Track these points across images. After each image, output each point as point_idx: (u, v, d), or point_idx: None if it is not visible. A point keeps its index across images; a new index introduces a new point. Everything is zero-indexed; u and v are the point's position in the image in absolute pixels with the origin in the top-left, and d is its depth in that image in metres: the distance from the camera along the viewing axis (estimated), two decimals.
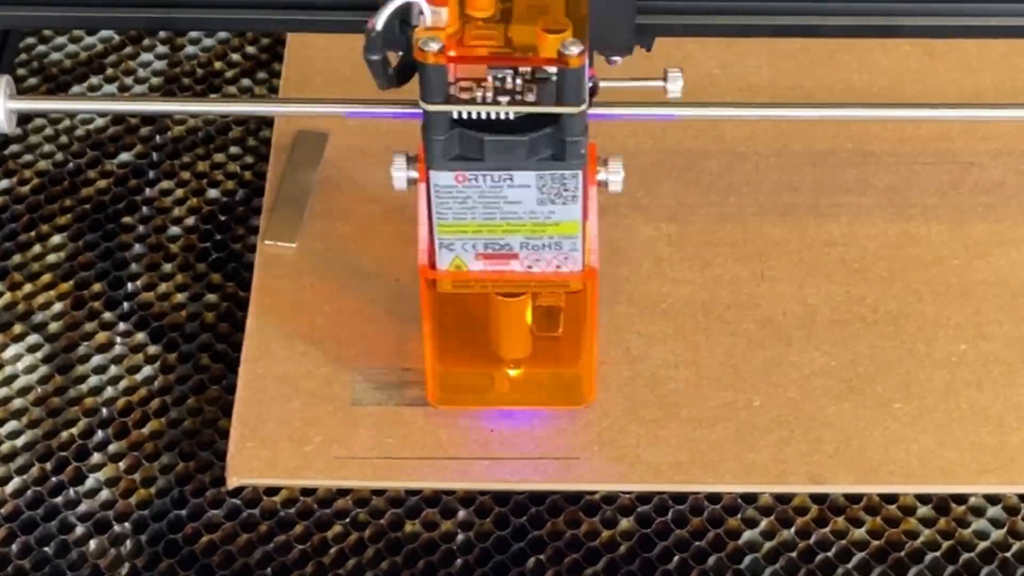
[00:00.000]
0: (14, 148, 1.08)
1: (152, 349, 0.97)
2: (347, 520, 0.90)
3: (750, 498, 0.90)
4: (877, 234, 1.01)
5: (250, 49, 1.14)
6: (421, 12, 0.78)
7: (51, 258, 1.02)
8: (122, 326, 0.98)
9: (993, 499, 0.90)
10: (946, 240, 1.01)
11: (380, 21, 0.78)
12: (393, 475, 0.90)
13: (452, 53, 0.78)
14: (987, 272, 0.99)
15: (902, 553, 0.88)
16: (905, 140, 1.06)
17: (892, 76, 1.10)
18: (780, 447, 0.91)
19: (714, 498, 0.90)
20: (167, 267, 1.01)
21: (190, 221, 1.04)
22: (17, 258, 1.02)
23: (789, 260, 1.00)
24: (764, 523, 0.89)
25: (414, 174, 0.84)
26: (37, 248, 1.02)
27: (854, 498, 0.90)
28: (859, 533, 0.89)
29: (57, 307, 0.99)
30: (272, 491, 0.91)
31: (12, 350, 0.97)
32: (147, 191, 1.05)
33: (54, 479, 0.91)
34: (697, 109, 0.97)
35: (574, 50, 0.77)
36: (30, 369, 0.96)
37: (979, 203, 1.03)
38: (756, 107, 1.01)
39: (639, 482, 0.90)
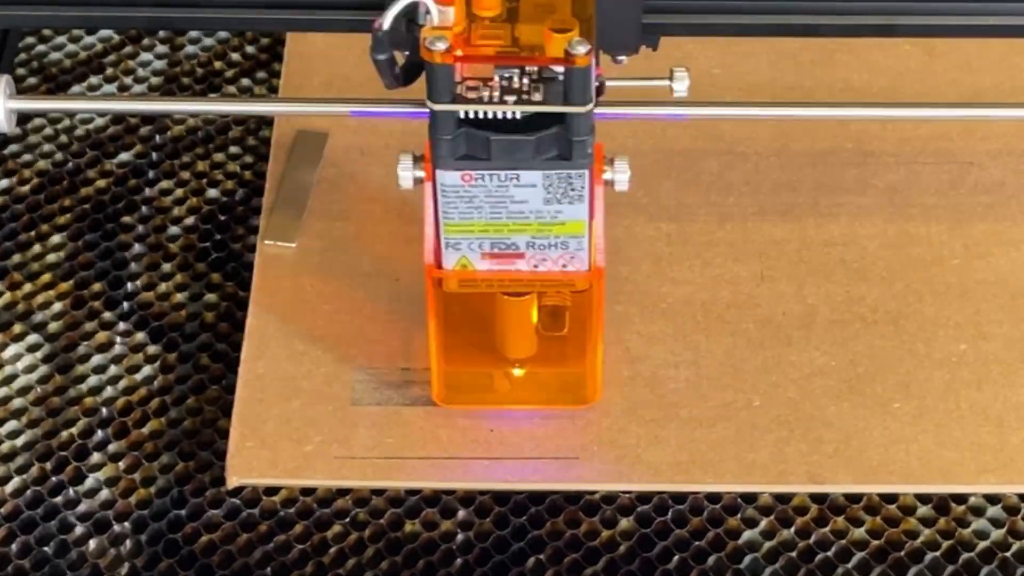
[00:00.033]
0: (14, 148, 1.08)
1: (152, 349, 0.97)
2: (347, 520, 0.90)
3: (750, 498, 0.90)
4: (877, 234, 1.01)
5: (250, 49, 1.14)
6: (428, 11, 0.78)
7: (51, 258, 1.02)
8: (122, 326, 0.98)
9: (993, 499, 0.90)
10: (946, 240, 1.01)
11: (387, 20, 0.78)
12: (393, 475, 0.90)
13: (459, 52, 0.78)
14: (987, 272, 0.99)
15: (902, 553, 0.88)
16: (905, 140, 1.06)
17: (892, 76, 1.10)
18: (780, 447, 0.91)
19: (714, 498, 0.90)
20: (167, 267, 1.01)
21: (190, 221, 1.04)
22: (17, 258, 1.02)
23: (789, 260, 1.00)
24: (764, 523, 0.89)
25: (420, 173, 0.84)
26: (37, 248, 1.02)
27: (854, 498, 0.90)
28: (859, 533, 0.89)
29: (57, 307, 0.99)
30: (272, 491, 0.91)
31: (12, 350, 0.97)
32: (147, 191, 1.05)
33: (54, 479, 0.91)
34: (697, 109, 0.97)
35: (581, 49, 0.77)
36: (30, 369, 0.96)
37: (979, 203, 1.03)
38: (756, 107, 1.01)
39: (639, 482, 0.90)
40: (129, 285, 1.00)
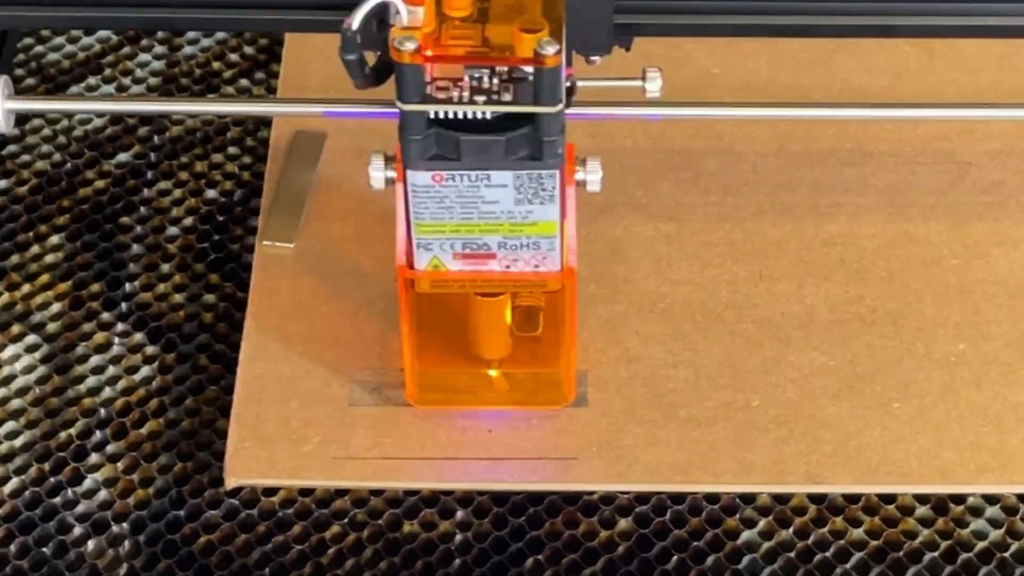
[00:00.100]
0: (12, 148, 1.08)
1: (150, 349, 0.97)
2: (345, 520, 0.90)
3: (748, 498, 0.90)
4: (876, 234, 1.01)
5: (248, 49, 1.14)
6: (398, 11, 0.78)
7: (49, 258, 1.02)
8: (120, 326, 0.98)
9: (992, 499, 0.90)
10: (945, 240, 1.01)
11: (356, 20, 0.78)
12: (391, 475, 0.90)
13: (429, 53, 0.78)
14: (986, 272, 0.99)
15: (901, 553, 0.88)
16: (904, 140, 1.06)
17: (891, 76, 1.10)
18: (779, 447, 0.91)
19: (712, 498, 0.90)
20: (165, 267, 1.01)
21: (188, 222, 1.04)
22: (15, 258, 1.02)
23: (788, 260, 1.00)
24: (762, 523, 0.89)
25: (392, 174, 0.84)
26: (35, 249, 1.02)
27: (853, 498, 0.90)
28: (857, 533, 0.89)
29: (55, 307, 0.99)
30: (270, 491, 0.91)
31: (10, 350, 0.97)
32: (145, 192, 1.05)
33: (52, 480, 0.91)
34: (696, 109, 0.98)
35: (550, 50, 0.77)
36: (28, 369, 0.96)
37: (978, 203, 1.03)
38: (755, 107, 1.01)
39: (637, 482, 0.90)
40: (127, 286, 1.00)
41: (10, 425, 0.94)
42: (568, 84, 0.81)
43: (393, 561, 0.88)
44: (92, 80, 1.12)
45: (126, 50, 1.14)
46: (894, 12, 0.89)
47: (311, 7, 0.88)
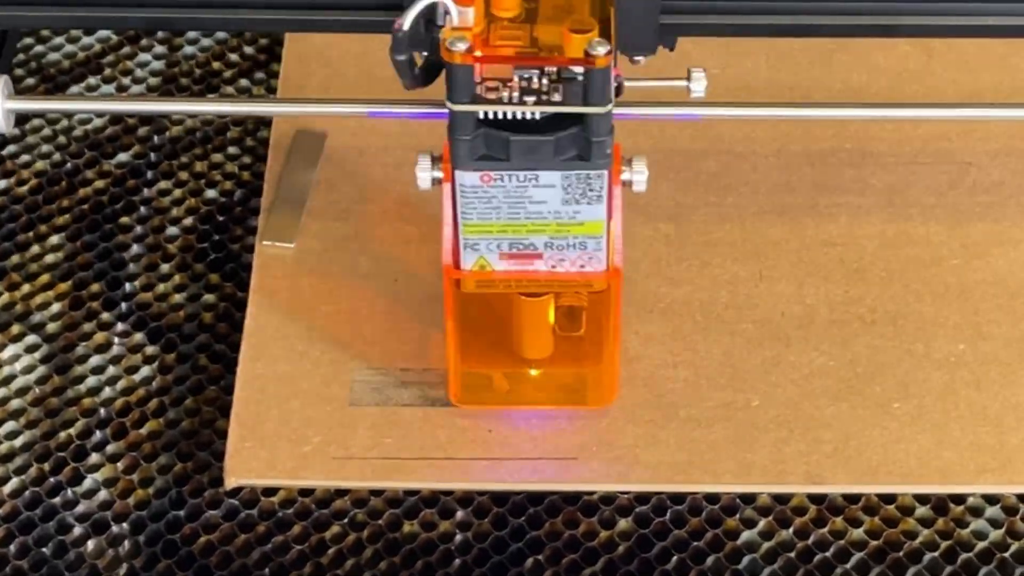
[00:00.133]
0: (12, 148, 1.08)
1: (150, 349, 0.97)
2: (345, 520, 0.90)
3: (748, 498, 0.90)
4: (876, 234, 1.01)
5: (248, 49, 1.14)
6: (447, 12, 0.78)
7: (49, 258, 1.02)
8: (120, 326, 0.98)
9: (991, 499, 0.90)
10: (945, 240, 1.01)
11: (407, 21, 0.78)
12: (391, 475, 0.90)
13: (478, 53, 0.78)
14: (986, 272, 0.99)
15: (900, 553, 0.88)
16: (904, 140, 1.06)
17: (891, 76, 1.10)
18: (778, 447, 0.91)
19: (712, 498, 0.90)
20: (165, 267, 1.01)
21: (188, 221, 1.04)
22: (15, 258, 1.02)
23: (788, 260, 1.00)
24: (762, 523, 0.89)
25: (439, 174, 0.84)
26: (35, 248, 1.02)
27: (852, 498, 0.90)
28: (857, 533, 0.89)
29: (55, 307, 0.99)
30: (270, 491, 0.91)
31: (10, 350, 0.97)
32: (145, 191, 1.05)
33: (52, 480, 0.91)
34: (695, 109, 0.97)
35: (601, 50, 0.77)
36: (28, 369, 0.96)
37: (978, 203, 1.03)
38: (754, 107, 1.01)
39: (637, 482, 0.90)
40: (127, 286, 1.00)
41: (10, 425, 0.94)
42: (616, 84, 0.81)
43: (393, 561, 0.88)
44: (92, 80, 1.12)
45: (126, 50, 1.14)
46: (894, 12, 0.89)
47: (311, 7, 0.88)
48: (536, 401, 0.92)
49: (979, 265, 0.99)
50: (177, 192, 1.05)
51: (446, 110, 0.79)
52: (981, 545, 0.88)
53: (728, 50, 1.10)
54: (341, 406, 0.93)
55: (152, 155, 1.07)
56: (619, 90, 0.82)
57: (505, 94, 0.79)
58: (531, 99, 0.79)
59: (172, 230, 1.03)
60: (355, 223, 1.01)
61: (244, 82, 1.12)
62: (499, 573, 0.88)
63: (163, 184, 1.06)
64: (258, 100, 1.10)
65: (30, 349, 0.97)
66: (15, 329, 0.98)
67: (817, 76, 1.09)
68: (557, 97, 0.79)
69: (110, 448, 0.93)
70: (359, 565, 0.88)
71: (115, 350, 0.97)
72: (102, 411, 0.94)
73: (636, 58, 0.87)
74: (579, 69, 0.78)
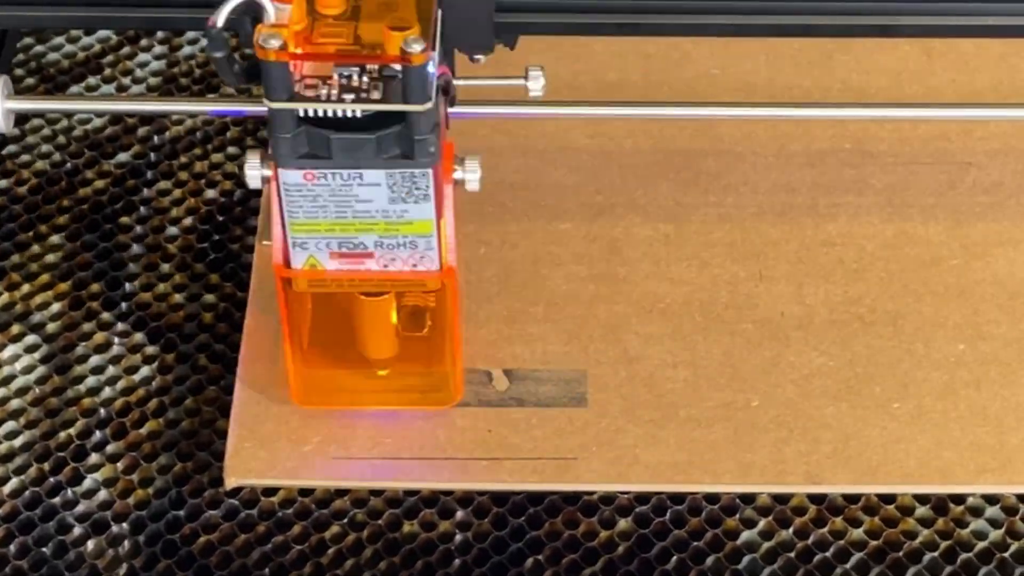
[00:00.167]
0: (12, 148, 1.08)
1: (150, 349, 0.97)
2: (345, 520, 0.90)
3: (748, 498, 0.90)
4: (875, 234, 1.01)
5: (248, 49, 1.13)
6: (265, 9, 0.78)
7: (49, 258, 1.02)
8: (120, 326, 0.98)
9: (991, 499, 0.90)
10: (944, 240, 1.01)
11: (220, 18, 0.78)
12: (391, 475, 0.90)
13: (298, 50, 0.78)
14: (985, 272, 0.99)
15: (900, 553, 0.88)
16: (903, 140, 1.06)
17: (890, 76, 1.10)
18: (778, 447, 0.91)
19: (712, 498, 0.90)
20: (165, 267, 1.01)
21: (188, 221, 1.04)
22: (15, 258, 1.02)
23: (787, 260, 1.00)
24: (762, 523, 0.89)
25: (268, 172, 0.83)
26: (35, 248, 1.02)
27: (852, 498, 0.90)
28: (857, 533, 0.89)
29: (55, 307, 0.99)
30: (270, 491, 0.91)
31: (10, 350, 0.97)
32: (145, 191, 1.05)
33: (52, 479, 0.91)
34: (695, 109, 0.98)
35: (416, 47, 0.76)
36: (28, 369, 0.96)
37: (977, 203, 1.03)
38: (754, 107, 1.01)
39: (637, 482, 0.90)
40: (127, 286, 1.00)
41: (10, 425, 0.94)
42: (442, 83, 0.80)
43: (393, 561, 0.88)
44: (92, 80, 1.12)
45: (126, 50, 1.14)
46: (894, 12, 0.89)
47: None
48: (381, 402, 0.92)
49: (979, 265, 0.99)
50: (177, 192, 1.05)
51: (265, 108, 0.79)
52: (981, 545, 0.88)
53: (728, 50, 1.10)
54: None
55: (152, 155, 1.07)
56: (447, 88, 0.82)
57: (324, 92, 0.78)
58: (350, 97, 0.78)
59: (172, 230, 1.03)
60: None
61: None
62: (499, 573, 0.88)
63: (163, 184, 1.06)
64: (258, 100, 1.09)
65: (30, 349, 0.97)
66: (15, 329, 0.98)
67: (817, 76, 1.09)
68: (376, 95, 0.78)
69: (110, 448, 0.93)
70: (359, 565, 0.88)
71: (115, 350, 0.97)
72: (102, 411, 0.94)
73: (476, 57, 0.87)
74: (399, 67, 0.78)
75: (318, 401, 0.92)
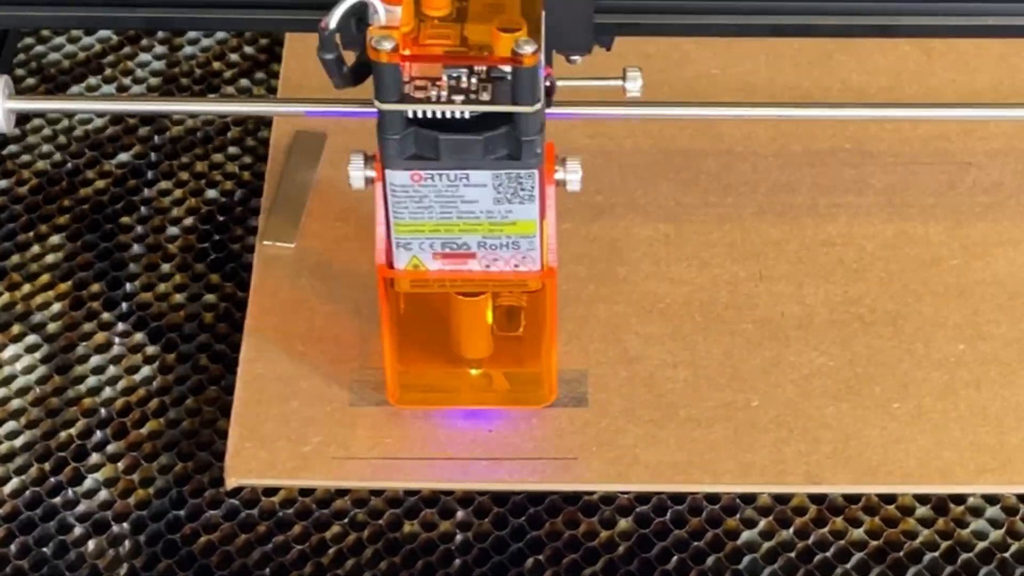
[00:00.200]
0: (12, 148, 1.08)
1: (151, 349, 0.97)
2: (346, 520, 0.90)
3: (748, 498, 0.90)
4: (875, 234, 1.01)
5: (248, 49, 1.14)
6: (376, 11, 0.78)
7: (49, 258, 1.02)
8: (120, 326, 0.98)
9: (992, 499, 0.90)
10: (944, 240, 1.01)
11: (333, 20, 0.78)
12: (392, 475, 0.90)
13: (407, 52, 0.78)
14: (985, 272, 0.99)
15: (901, 553, 0.88)
16: (903, 140, 1.06)
17: (890, 76, 1.10)
18: (778, 447, 0.91)
19: (713, 498, 0.90)
20: (166, 267, 1.01)
21: (188, 221, 1.04)
22: (16, 258, 1.02)
23: (787, 260, 1.00)
24: (763, 523, 0.89)
25: (371, 173, 0.83)
26: (36, 248, 1.02)
27: (852, 498, 0.90)
28: (858, 533, 0.89)
29: (56, 307, 0.99)
30: (271, 491, 0.91)
31: (11, 350, 0.97)
32: (145, 191, 1.05)
33: (53, 479, 0.91)
34: (695, 109, 0.98)
35: (528, 49, 0.77)
36: (29, 369, 0.96)
37: (977, 203, 1.03)
38: (754, 107, 1.01)
39: (637, 482, 0.90)
40: (128, 286, 1.00)
41: (10, 425, 0.94)
42: (547, 84, 0.81)
43: (393, 561, 0.88)
44: (92, 80, 1.12)
45: (126, 50, 1.14)
46: (894, 12, 0.89)
47: (311, 7, 0.88)
48: (476, 401, 0.92)
49: (979, 265, 0.99)
50: (177, 192, 1.05)
51: (375, 109, 0.79)
52: (981, 545, 0.88)
53: (728, 50, 1.10)
54: (341, 406, 0.93)
55: (152, 155, 1.07)
56: (551, 89, 0.82)
57: (433, 93, 0.79)
58: (459, 98, 0.78)
59: (172, 230, 1.03)
60: (355, 223, 1.01)
61: (244, 82, 1.12)
62: (499, 573, 0.88)
63: (163, 184, 1.06)
64: (258, 100, 1.10)
65: (30, 349, 0.97)
66: (15, 329, 0.98)
67: (817, 76, 1.10)
68: (485, 96, 0.78)
69: (110, 448, 0.93)
70: (359, 565, 0.88)
71: (115, 350, 0.97)
72: (102, 411, 0.94)
73: (572, 58, 0.87)
74: (507, 68, 0.78)
75: (414, 401, 0.92)
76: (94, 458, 0.92)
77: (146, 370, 0.96)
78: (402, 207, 0.82)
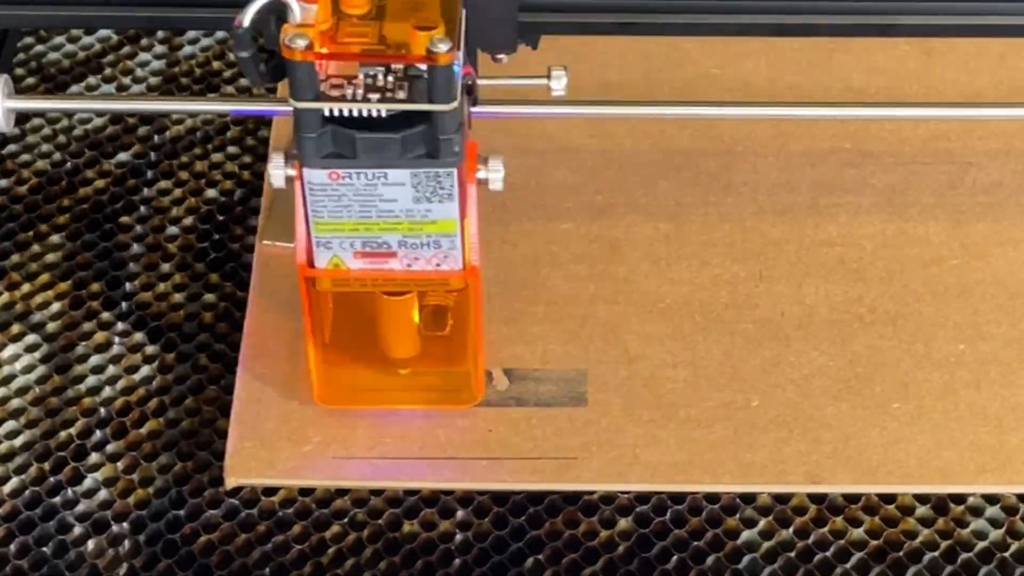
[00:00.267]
0: (12, 148, 1.08)
1: (150, 349, 0.97)
2: (345, 520, 0.90)
3: (749, 498, 0.90)
4: (875, 234, 1.01)
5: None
6: (292, 9, 0.78)
7: (49, 258, 1.02)
8: (120, 326, 0.98)
9: (991, 499, 0.90)
10: (944, 240, 1.01)
11: (246, 18, 0.78)
12: (391, 475, 0.90)
13: (323, 50, 0.78)
14: (985, 272, 0.99)
15: (901, 553, 0.88)
16: (903, 140, 1.06)
17: (890, 76, 1.10)
18: (778, 447, 0.91)
19: (712, 498, 0.90)
20: (165, 267, 1.01)
21: (188, 221, 1.04)
22: (15, 258, 1.02)
23: (787, 260, 1.00)
24: (763, 523, 0.89)
25: (292, 171, 0.83)
26: (35, 248, 1.02)
27: (853, 498, 0.90)
28: (858, 533, 0.89)
29: (55, 307, 0.99)
30: (270, 491, 0.91)
31: (10, 350, 0.97)
32: (145, 191, 1.05)
33: (52, 479, 0.91)
34: (695, 108, 0.98)
35: (442, 47, 0.76)
36: (28, 369, 0.96)
37: (977, 203, 1.03)
38: (754, 107, 1.01)
39: (637, 482, 0.90)
40: (127, 285, 1.00)
41: (10, 424, 0.94)
42: (468, 83, 0.80)
43: (393, 561, 0.88)
44: (92, 79, 1.12)
45: (126, 50, 1.14)
46: (894, 12, 0.89)
47: None
48: (403, 401, 0.92)
49: (979, 265, 0.99)
50: (177, 192, 1.05)
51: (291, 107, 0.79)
52: (981, 545, 0.88)
53: (728, 50, 1.10)
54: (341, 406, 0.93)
55: (152, 155, 1.07)
56: (472, 88, 0.82)
57: (350, 91, 0.78)
58: (376, 96, 0.78)
59: (172, 229, 1.03)
60: None
61: (244, 82, 1.12)
62: (499, 573, 0.88)
63: (163, 184, 1.06)
64: (258, 100, 1.10)
65: (30, 348, 0.97)
66: (15, 328, 0.98)
67: (817, 76, 1.09)
68: (401, 95, 0.78)
69: (110, 447, 0.93)
70: (359, 565, 0.88)
71: (115, 349, 0.97)
72: (102, 410, 0.94)
73: (498, 56, 0.87)
74: (424, 66, 0.78)
75: (340, 400, 0.92)
76: (94, 458, 0.92)
77: (146, 370, 0.96)
78: (321, 206, 0.82)
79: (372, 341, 0.92)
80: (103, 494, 0.91)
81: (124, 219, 1.04)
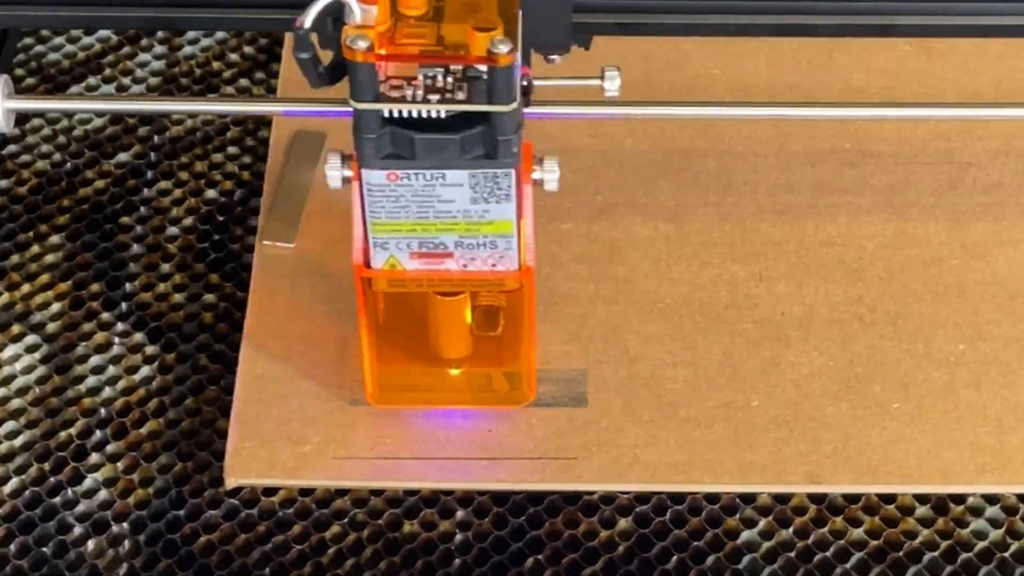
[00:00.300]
0: (12, 148, 1.08)
1: (150, 349, 0.97)
2: (345, 520, 0.90)
3: (748, 498, 0.90)
4: (875, 234, 1.01)
5: (248, 49, 1.14)
6: (352, 10, 0.78)
7: (49, 258, 1.02)
8: (120, 326, 0.98)
9: (991, 499, 0.90)
10: (944, 240, 1.01)
11: (308, 19, 0.78)
12: (391, 475, 0.90)
13: (382, 51, 0.78)
14: (985, 272, 0.99)
15: (901, 553, 0.88)
16: (903, 140, 1.06)
17: (890, 76, 1.10)
18: (778, 447, 0.91)
19: (712, 498, 0.90)
20: (165, 267, 1.01)
21: (188, 221, 1.04)
22: (15, 258, 1.02)
23: (787, 260, 1.00)
24: (762, 523, 0.89)
25: (349, 172, 0.83)
26: (35, 248, 1.02)
27: (852, 498, 0.90)
28: (857, 533, 0.89)
29: (55, 307, 0.99)
30: (270, 491, 0.91)
31: (10, 350, 0.97)
32: (145, 191, 1.05)
33: (52, 479, 0.91)
34: (695, 109, 0.98)
35: (503, 48, 0.76)
36: (28, 369, 0.96)
37: (977, 203, 1.03)
38: (754, 107, 1.01)
39: (637, 482, 0.90)
40: (127, 286, 1.00)
41: (10, 425, 0.94)
42: (524, 83, 0.80)
43: (393, 561, 0.88)
44: (92, 80, 1.12)
45: (126, 50, 1.14)
46: (894, 12, 0.89)
47: None
48: (455, 401, 0.92)
49: (979, 265, 0.99)
50: (177, 192, 1.05)
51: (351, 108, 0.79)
52: (981, 545, 0.88)
53: (728, 50, 1.10)
54: (341, 406, 0.93)
55: (152, 155, 1.07)
56: (528, 89, 0.82)
57: (409, 92, 0.78)
58: (435, 98, 0.78)
59: (172, 230, 1.03)
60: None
61: (244, 82, 1.12)
62: (499, 573, 0.88)
63: (163, 184, 1.06)
64: (258, 100, 1.10)
65: (30, 349, 0.97)
66: (15, 329, 0.98)
67: (817, 76, 1.09)
68: (461, 96, 0.78)
69: (110, 448, 0.93)
70: (359, 565, 0.88)
71: (115, 350, 0.97)
72: (102, 411, 0.94)
73: (550, 57, 0.87)
74: (483, 67, 0.78)
75: (393, 401, 0.92)
76: (94, 458, 0.92)
77: (146, 370, 0.96)
78: (379, 207, 0.82)
79: (423, 341, 0.92)
80: (103, 494, 0.91)
81: (124, 219, 1.04)
